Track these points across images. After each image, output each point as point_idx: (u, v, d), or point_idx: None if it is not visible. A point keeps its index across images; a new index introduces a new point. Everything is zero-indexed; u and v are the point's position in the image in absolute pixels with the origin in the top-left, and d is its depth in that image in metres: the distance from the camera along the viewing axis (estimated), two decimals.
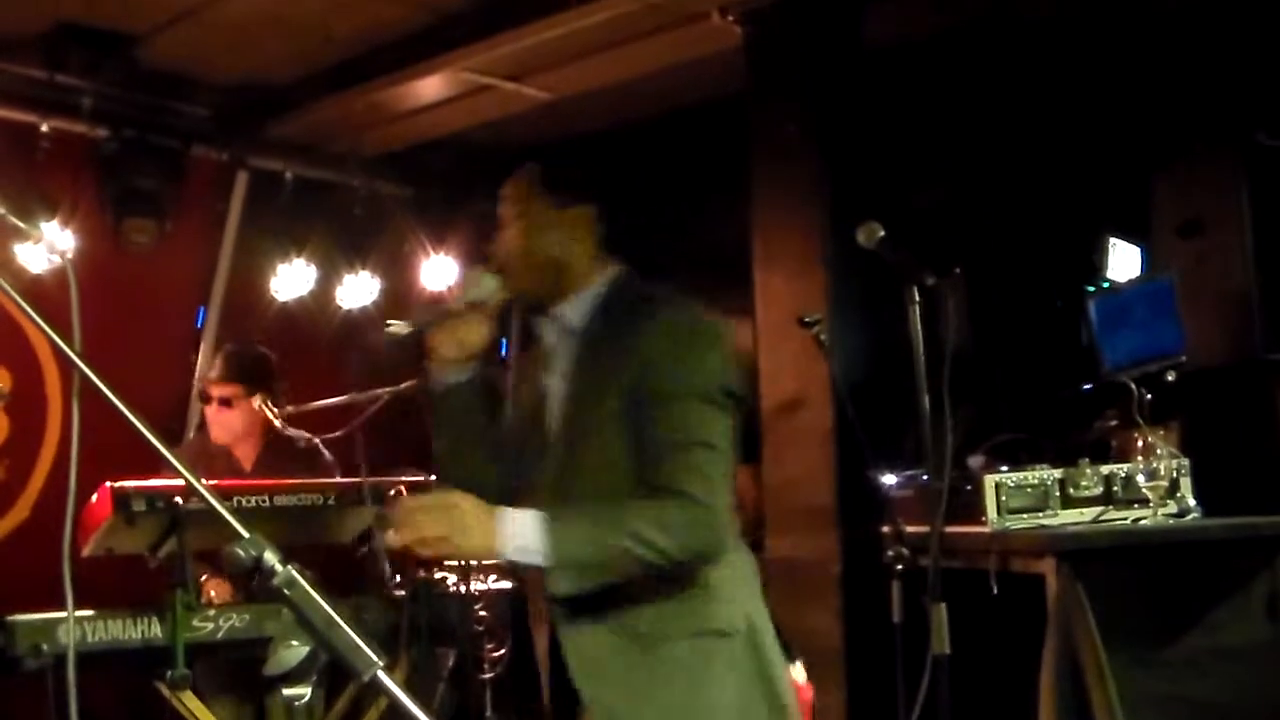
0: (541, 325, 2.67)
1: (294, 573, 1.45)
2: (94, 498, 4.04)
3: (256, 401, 4.84)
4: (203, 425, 5.86)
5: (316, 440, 4.97)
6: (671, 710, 2.37)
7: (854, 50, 4.79)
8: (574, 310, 2.64)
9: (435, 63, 5.43)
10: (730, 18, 4.86)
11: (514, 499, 2.41)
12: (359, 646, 1.43)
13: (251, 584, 1.42)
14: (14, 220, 1.82)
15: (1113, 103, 4.86)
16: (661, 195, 6.58)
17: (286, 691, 1.55)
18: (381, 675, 1.43)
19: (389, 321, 2.66)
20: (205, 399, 4.91)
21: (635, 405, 2.45)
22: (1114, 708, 3.36)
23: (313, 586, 1.46)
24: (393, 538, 2.27)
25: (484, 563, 3.27)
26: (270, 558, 1.45)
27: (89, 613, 4.08)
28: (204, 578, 4.62)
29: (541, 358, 2.67)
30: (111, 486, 3.97)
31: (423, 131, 6.35)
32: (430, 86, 5.71)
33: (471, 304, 2.62)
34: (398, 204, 6.80)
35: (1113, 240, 4.71)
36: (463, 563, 4.50)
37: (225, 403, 4.82)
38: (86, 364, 1.65)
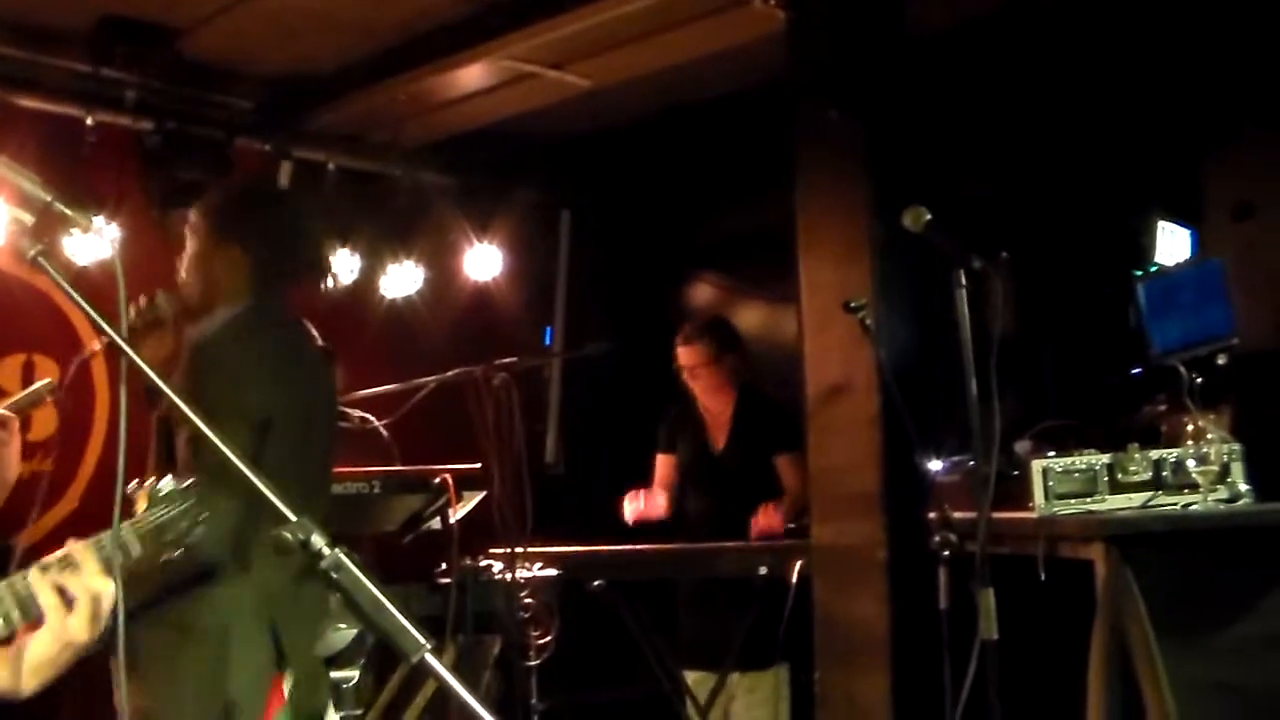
0: None
1: (341, 555, 1.46)
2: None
3: None
4: None
5: (375, 421, 5.01)
6: None
7: (897, 35, 4.75)
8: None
9: (477, 51, 5.42)
10: (772, 2, 4.83)
11: None
12: (407, 629, 1.44)
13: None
14: (63, 209, 1.83)
15: (1162, 84, 4.80)
16: (705, 182, 6.60)
17: (335, 674, 1.56)
18: (429, 657, 1.43)
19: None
20: None
21: None
22: (1164, 694, 3.33)
23: (360, 569, 1.46)
24: None
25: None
26: (318, 540, 1.45)
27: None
28: None
29: None
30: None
31: (465, 121, 6.35)
32: (472, 75, 5.70)
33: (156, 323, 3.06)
34: (441, 193, 6.81)
35: (1162, 224, 4.66)
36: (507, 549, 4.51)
37: None
38: (134, 351, 1.66)
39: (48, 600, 1.71)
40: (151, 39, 5.46)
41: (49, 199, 1.75)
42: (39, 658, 1.73)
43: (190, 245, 3.18)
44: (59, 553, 1.77)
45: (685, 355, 5.42)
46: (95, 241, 5.06)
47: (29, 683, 1.76)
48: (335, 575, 1.44)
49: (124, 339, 1.62)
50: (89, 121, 5.54)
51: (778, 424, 5.28)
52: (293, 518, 1.45)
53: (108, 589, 1.76)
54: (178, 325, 3.03)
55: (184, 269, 3.19)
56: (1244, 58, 4.63)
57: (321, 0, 5.15)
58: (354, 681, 1.53)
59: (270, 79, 6.03)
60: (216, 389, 2.96)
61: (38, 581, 1.70)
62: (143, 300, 3.03)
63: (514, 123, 6.37)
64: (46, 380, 4.39)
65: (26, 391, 4.30)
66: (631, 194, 6.74)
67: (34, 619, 1.72)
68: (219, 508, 2.11)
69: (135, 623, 2.54)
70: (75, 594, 1.72)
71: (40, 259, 1.71)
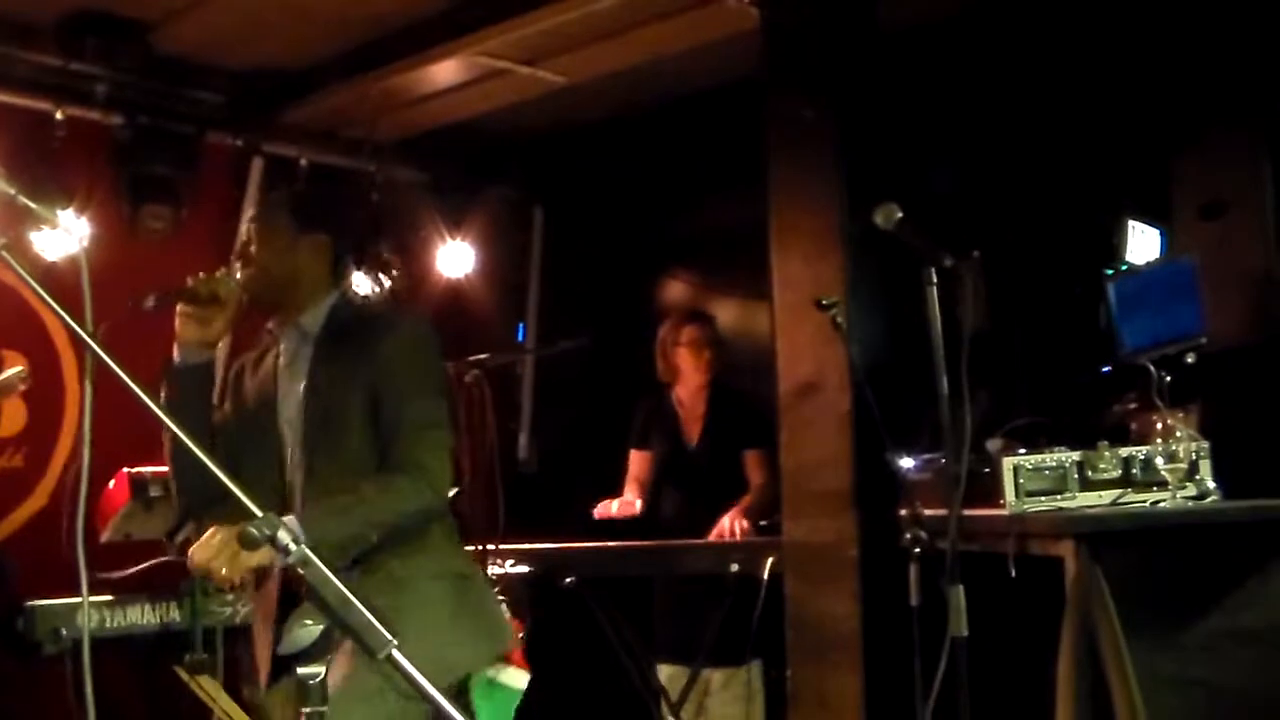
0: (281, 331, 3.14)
1: (308, 551, 1.45)
2: (111, 484, 4.06)
3: None
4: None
5: None
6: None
7: (870, 33, 4.76)
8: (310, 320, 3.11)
9: (450, 47, 5.41)
10: (746, 0, 4.84)
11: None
12: (373, 625, 1.43)
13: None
14: (30, 204, 1.81)
15: (1131, 83, 4.82)
16: (678, 179, 6.60)
17: (301, 670, 1.55)
18: (396, 654, 1.43)
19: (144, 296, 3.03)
20: None
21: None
22: (1132, 690, 3.35)
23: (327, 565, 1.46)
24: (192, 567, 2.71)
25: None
26: (284, 536, 1.45)
27: (107, 598, 4.11)
28: None
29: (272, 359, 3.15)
30: (129, 472, 4.00)
31: (438, 116, 6.34)
32: (445, 71, 5.69)
33: (213, 298, 3.00)
34: (413, 189, 6.79)
35: (1132, 223, 4.68)
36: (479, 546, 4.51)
37: None
38: (100, 347, 1.65)
39: None
40: (123, 33, 5.43)
41: (13, 192, 1.74)
42: None
43: (264, 236, 3.14)
44: None
45: (690, 333, 5.53)
46: (64, 237, 5.03)
47: None
48: (302, 571, 1.44)
49: (90, 334, 1.61)
50: (59, 115, 5.51)
51: (749, 420, 5.32)
52: (259, 514, 1.45)
53: None
54: (235, 310, 3.05)
55: (249, 260, 3.15)
56: (1213, 57, 4.65)
57: None
58: (321, 678, 1.53)
59: (242, 74, 6.00)
60: (437, 383, 3.14)
61: None
62: (211, 274, 3.04)
63: (487, 119, 6.37)
64: (18, 368, 4.36)
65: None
66: (604, 190, 6.74)
67: None
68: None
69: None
70: None
71: (3, 252, 1.69)
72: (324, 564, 2.63)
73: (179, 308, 3.02)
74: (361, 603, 1.43)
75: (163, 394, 2.99)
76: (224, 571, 2.64)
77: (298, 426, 3.03)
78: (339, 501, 2.84)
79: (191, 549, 2.69)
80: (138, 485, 4.00)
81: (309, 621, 1.49)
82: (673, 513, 5.43)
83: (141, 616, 4.14)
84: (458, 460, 4.57)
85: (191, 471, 2.75)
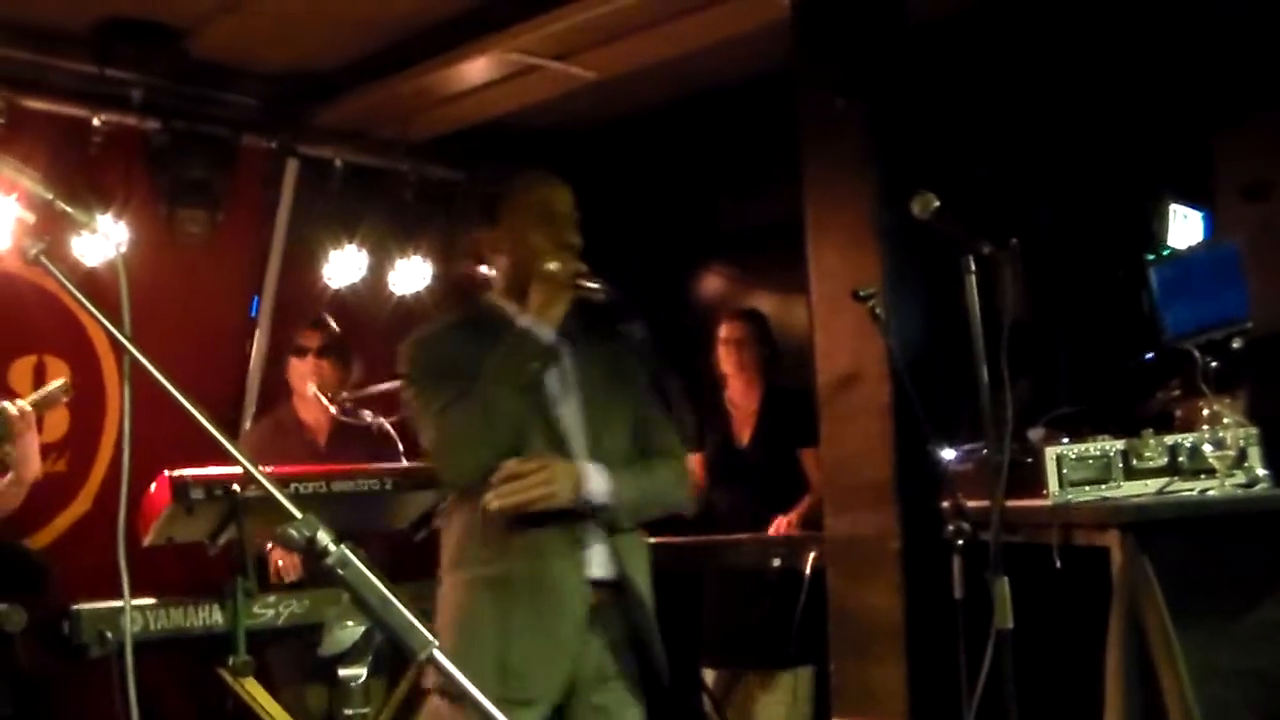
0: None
1: (348, 552, 1.44)
2: (153, 487, 4.07)
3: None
4: (262, 412, 5.94)
5: (387, 424, 5.04)
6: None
7: (901, 21, 4.72)
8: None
9: (481, 44, 5.41)
10: None
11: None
12: (414, 625, 1.42)
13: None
14: (69, 210, 1.82)
15: (1170, 64, 4.76)
16: (712, 172, 6.57)
17: (343, 671, 1.55)
18: (437, 654, 1.42)
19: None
20: (302, 352, 5.03)
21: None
22: (1183, 681, 3.30)
23: (367, 566, 1.45)
24: (492, 502, 2.89)
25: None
26: (323, 538, 1.44)
27: (150, 601, 4.13)
28: (269, 547, 4.67)
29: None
30: (170, 476, 4.01)
31: (471, 114, 6.34)
32: (477, 69, 5.69)
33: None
34: (448, 188, 6.80)
35: (1174, 206, 4.63)
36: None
37: (324, 353, 4.99)
38: (140, 351, 1.64)
39: None
40: (156, 38, 5.47)
41: (50, 197, 1.74)
42: None
43: (502, 228, 3.20)
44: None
45: (727, 329, 5.53)
46: (103, 242, 5.06)
47: None
48: (342, 572, 1.43)
49: (126, 335, 1.60)
50: (95, 122, 5.55)
51: (803, 417, 5.26)
52: (298, 515, 1.44)
53: None
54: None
55: (479, 255, 3.29)
56: (1253, 33, 4.58)
57: None
58: (362, 680, 1.52)
59: (275, 76, 6.03)
60: None
61: None
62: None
63: (519, 115, 6.36)
64: (61, 381, 4.41)
65: (43, 391, 4.32)
66: (638, 185, 6.72)
67: None
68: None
69: None
70: None
71: (41, 258, 1.69)
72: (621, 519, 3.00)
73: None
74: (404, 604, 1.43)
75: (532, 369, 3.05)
76: (556, 497, 2.92)
77: (578, 412, 3.14)
78: (644, 477, 3.13)
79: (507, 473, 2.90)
80: (179, 488, 4.01)
81: (350, 623, 1.48)
82: (727, 512, 5.39)
83: (185, 619, 4.16)
84: None
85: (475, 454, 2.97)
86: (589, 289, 3.08)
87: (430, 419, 3.02)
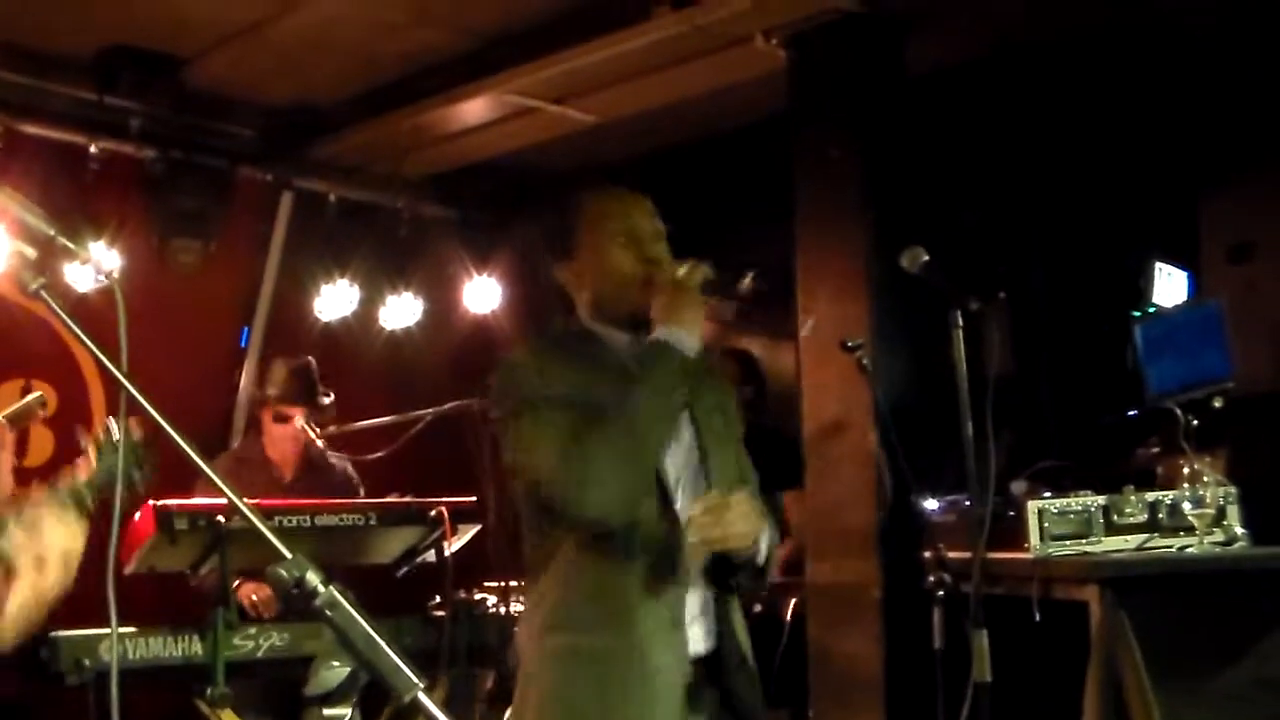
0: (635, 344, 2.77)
1: (336, 594, 1.46)
2: (137, 516, 4.07)
3: (304, 417, 4.96)
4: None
5: (350, 468, 5.05)
6: None
7: (897, 74, 4.78)
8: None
9: (479, 85, 5.46)
10: (774, 41, 4.87)
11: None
12: (400, 668, 1.44)
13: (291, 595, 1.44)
14: (63, 240, 1.84)
15: (1159, 125, 4.82)
16: (705, 218, 6.60)
17: (327, 712, 1.56)
18: (423, 696, 1.43)
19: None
20: (283, 419, 5.00)
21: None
22: None
23: (354, 607, 1.46)
24: (695, 541, 2.53)
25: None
26: (313, 578, 1.45)
27: (131, 630, 4.11)
28: (236, 584, 4.66)
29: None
30: (154, 505, 4.00)
31: (467, 154, 6.38)
32: (474, 109, 5.73)
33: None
34: (442, 226, 6.83)
35: (1159, 266, 4.67)
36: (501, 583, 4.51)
37: (284, 419, 4.96)
38: (134, 384, 1.66)
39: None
40: (156, 68, 5.50)
41: (52, 233, 1.76)
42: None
43: (580, 260, 2.89)
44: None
45: None
46: (95, 270, 5.07)
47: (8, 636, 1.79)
48: (330, 614, 1.44)
49: (123, 372, 1.62)
50: (92, 149, 5.58)
51: (784, 458, 5.26)
52: (288, 554, 1.46)
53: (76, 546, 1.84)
54: None
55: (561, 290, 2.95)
56: (1241, 95, 4.65)
57: (325, 32, 5.19)
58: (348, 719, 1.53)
59: (273, 109, 6.07)
60: None
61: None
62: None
63: (516, 156, 6.40)
64: (37, 394, 4.39)
65: (16, 405, 4.30)
66: None
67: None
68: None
69: None
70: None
71: (43, 293, 1.71)
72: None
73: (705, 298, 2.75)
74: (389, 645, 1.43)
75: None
76: (748, 538, 2.57)
77: (686, 453, 2.76)
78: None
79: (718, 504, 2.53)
80: (163, 518, 4.00)
81: (335, 664, 1.49)
82: None
83: (164, 648, 4.14)
84: (481, 496, 4.60)
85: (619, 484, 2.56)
86: (734, 290, 2.79)
87: (549, 446, 2.56)
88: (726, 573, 2.67)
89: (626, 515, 2.55)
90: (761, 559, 2.69)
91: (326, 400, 5.12)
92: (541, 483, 2.58)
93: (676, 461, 2.69)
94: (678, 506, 2.62)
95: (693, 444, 2.74)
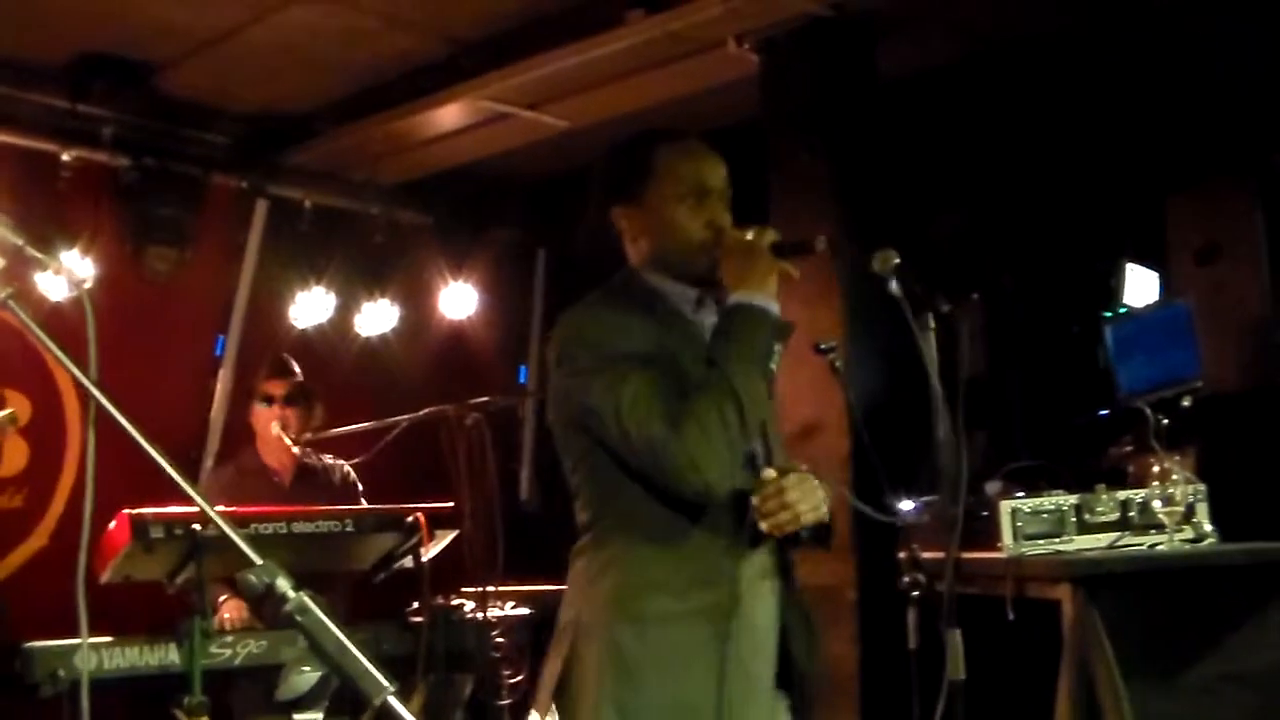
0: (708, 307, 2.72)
1: (306, 599, 1.47)
2: (112, 525, 4.06)
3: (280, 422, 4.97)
4: (225, 454, 5.93)
5: (348, 466, 5.06)
6: None
7: (868, 78, 4.81)
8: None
9: (453, 91, 5.47)
10: (746, 46, 4.90)
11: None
12: (370, 672, 1.45)
13: (262, 608, 1.45)
14: (31, 250, 1.84)
15: (1128, 128, 4.87)
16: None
17: (298, 717, 1.57)
18: (392, 700, 1.44)
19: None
20: (266, 398, 5.01)
21: None
22: None
23: (325, 612, 1.47)
24: (766, 523, 2.49)
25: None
26: (282, 584, 1.47)
27: (106, 639, 4.10)
28: (222, 599, 4.65)
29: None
30: (130, 514, 3.99)
31: (441, 160, 6.39)
32: (448, 115, 5.74)
33: None
34: (417, 232, 6.83)
35: (1130, 266, 4.71)
36: (479, 588, 4.52)
37: (267, 399, 4.98)
38: (104, 393, 1.67)
39: None
40: (129, 75, 5.50)
41: (20, 243, 1.77)
42: None
43: (647, 206, 2.80)
44: None
45: None
46: (68, 279, 5.06)
47: None
48: (300, 619, 1.45)
49: (92, 381, 1.63)
50: (65, 157, 5.57)
51: None
52: (257, 560, 1.47)
53: None
54: None
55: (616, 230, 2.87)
56: (1209, 100, 4.70)
57: (298, 39, 5.19)
58: None
59: (247, 116, 6.07)
60: None
61: None
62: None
63: (490, 162, 6.41)
64: (8, 410, 4.39)
65: None
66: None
67: None
68: None
69: None
70: None
71: (11, 303, 1.72)
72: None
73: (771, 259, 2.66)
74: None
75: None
76: (806, 516, 2.52)
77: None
78: None
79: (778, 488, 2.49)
80: (138, 527, 3.99)
81: (306, 668, 1.50)
82: None
83: (140, 658, 4.13)
84: (458, 502, 4.60)
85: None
86: (807, 250, 2.70)
87: (652, 407, 2.47)
88: (792, 536, 2.62)
89: (730, 484, 2.51)
90: (826, 519, 2.63)
91: (317, 407, 5.14)
92: (646, 446, 2.46)
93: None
94: (760, 463, 2.59)
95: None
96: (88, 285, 5.30)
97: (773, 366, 2.62)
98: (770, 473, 2.53)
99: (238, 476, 5.13)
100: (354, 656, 1.44)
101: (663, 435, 2.44)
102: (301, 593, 1.47)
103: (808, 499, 2.52)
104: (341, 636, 1.45)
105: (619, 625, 2.54)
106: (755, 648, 2.58)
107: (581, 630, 2.58)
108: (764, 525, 2.51)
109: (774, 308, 2.61)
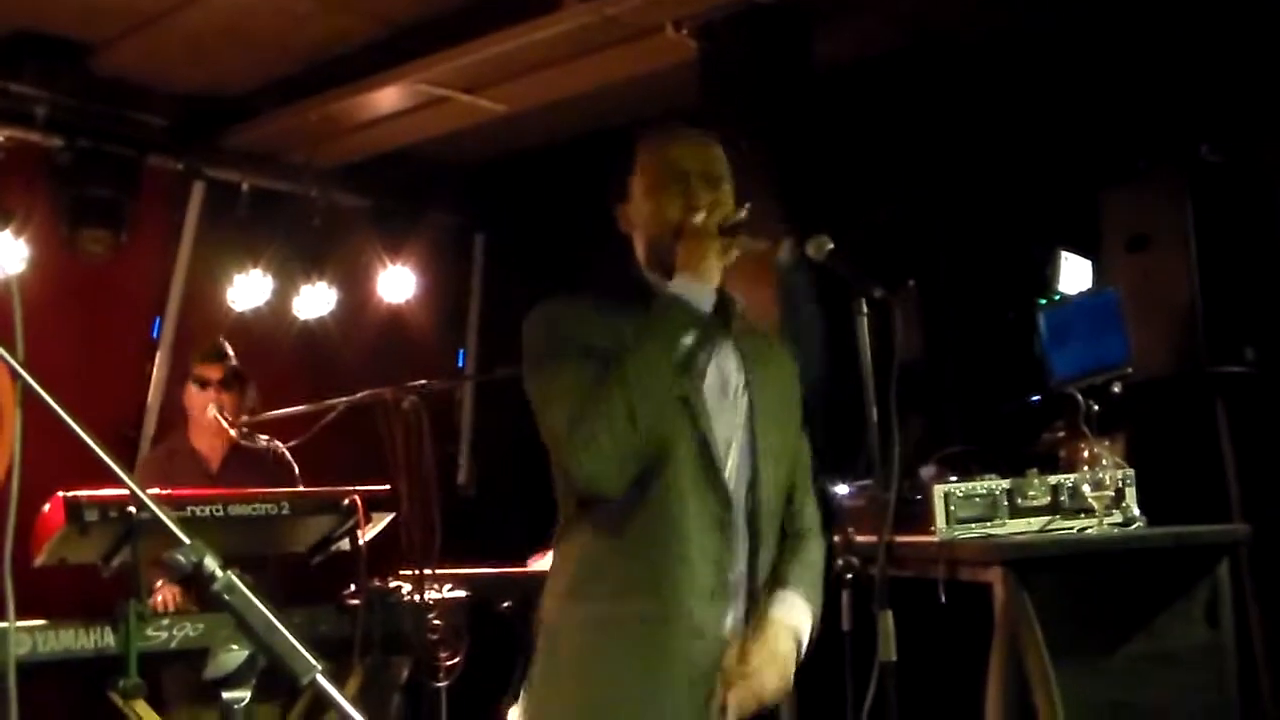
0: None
1: (233, 578, 1.47)
2: (47, 507, 4.03)
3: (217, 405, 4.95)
4: (160, 437, 5.89)
5: (282, 447, 5.03)
6: None
7: (805, 66, 4.84)
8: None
9: (391, 74, 5.45)
10: (684, 31, 4.91)
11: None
12: (299, 651, 1.45)
13: (190, 588, 1.46)
14: None
15: (1062, 119, 4.93)
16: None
17: (227, 695, 1.57)
18: (320, 679, 1.45)
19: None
20: (202, 381, 4.99)
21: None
22: (1058, 713, 3.41)
23: (253, 592, 1.48)
24: (730, 705, 2.53)
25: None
26: (210, 563, 1.47)
27: (40, 622, 4.07)
28: (159, 583, 4.63)
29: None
30: (64, 496, 3.96)
31: (380, 143, 6.37)
32: (386, 98, 5.72)
33: None
34: (355, 215, 6.80)
35: (1064, 254, 4.77)
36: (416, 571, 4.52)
37: (202, 382, 4.95)
38: (31, 375, 1.66)
39: None
40: (63, 55, 5.44)
41: None
42: None
43: (633, 201, 2.78)
44: None
45: None
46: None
47: None
48: (228, 597, 1.46)
49: (21, 363, 1.62)
50: None
51: None
52: (186, 540, 1.47)
53: None
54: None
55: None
56: (1140, 94, 4.77)
57: (236, 20, 5.15)
58: (244, 703, 1.55)
59: (183, 97, 6.01)
60: None
61: None
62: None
63: (429, 146, 6.40)
64: None
65: None
66: (545, 218, 6.77)
67: None
68: None
69: None
70: None
71: None
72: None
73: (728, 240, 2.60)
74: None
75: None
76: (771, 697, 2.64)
77: (740, 433, 2.65)
78: (814, 585, 2.91)
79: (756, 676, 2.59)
80: (73, 509, 3.96)
81: (234, 647, 1.51)
82: None
83: (75, 641, 4.10)
84: (395, 485, 4.60)
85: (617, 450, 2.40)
86: (750, 241, 2.61)
87: (558, 400, 2.46)
88: None
89: (622, 480, 2.43)
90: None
91: (250, 388, 5.12)
92: (551, 440, 2.47)
93: (730, 427, 2.59)
94: (726, 475, 2.55)
95: (746, 418, 2.64)
96: (19, 269, 5.25)
97: (688, 344, 2.52)
98: (732, 654, 2.56)
99: (167, 459, 5.11)
100: (283, 635, 1.45)
101: (562, 432, 2.43)
102: (229, 571, 1.48)
103: (776, 681, 2.64)
104: (270, 615, 1.46)
105: (561, 624, 2.57)
106: (684, 665, 2.54)
107: (540, 624, 2.62)
108: (730, 718, 2.55)
109: (700, 294, 2.54)
